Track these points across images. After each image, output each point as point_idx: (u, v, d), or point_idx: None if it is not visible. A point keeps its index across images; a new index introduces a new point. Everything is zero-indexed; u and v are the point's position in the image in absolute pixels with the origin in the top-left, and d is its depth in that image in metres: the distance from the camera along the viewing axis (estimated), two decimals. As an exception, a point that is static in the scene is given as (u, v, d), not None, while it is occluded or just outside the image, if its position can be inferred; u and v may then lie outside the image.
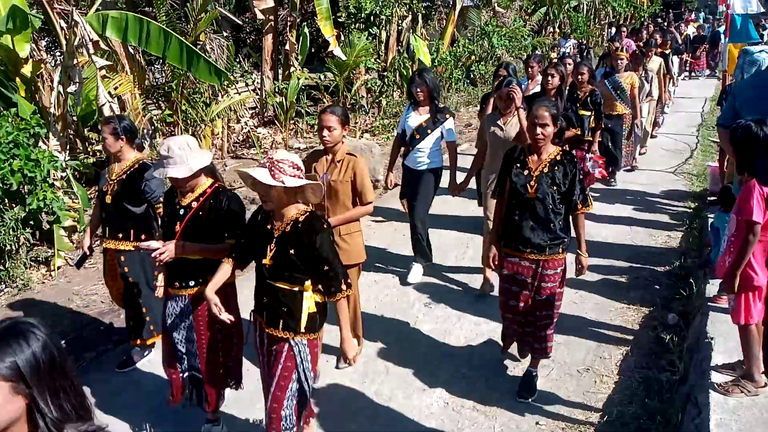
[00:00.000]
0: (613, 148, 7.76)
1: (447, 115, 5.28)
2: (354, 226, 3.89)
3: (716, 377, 3.40)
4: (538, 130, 3.45)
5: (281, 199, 2.71)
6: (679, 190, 8.05)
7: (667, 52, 10.88)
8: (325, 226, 2.78)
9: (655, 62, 9.42)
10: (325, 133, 3.71)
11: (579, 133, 6.11)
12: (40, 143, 6.35)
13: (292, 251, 2.73)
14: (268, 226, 2.83)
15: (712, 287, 4.52)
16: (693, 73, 18.27)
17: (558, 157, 3.55)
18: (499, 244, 3.75)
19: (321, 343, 3.09)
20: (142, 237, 4.01)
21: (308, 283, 2.79)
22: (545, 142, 3.51)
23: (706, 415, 3.15)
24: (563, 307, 4.98)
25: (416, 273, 5.55)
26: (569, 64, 7.34)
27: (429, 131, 5.21)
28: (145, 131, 8.69)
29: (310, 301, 2.79)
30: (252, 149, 10.56)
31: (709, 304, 4.31)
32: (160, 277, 3.57)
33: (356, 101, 12.58)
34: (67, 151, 7.01)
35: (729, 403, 3.19)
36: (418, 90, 5.17)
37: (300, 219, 2.76)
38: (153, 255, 3.03)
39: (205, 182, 3.21)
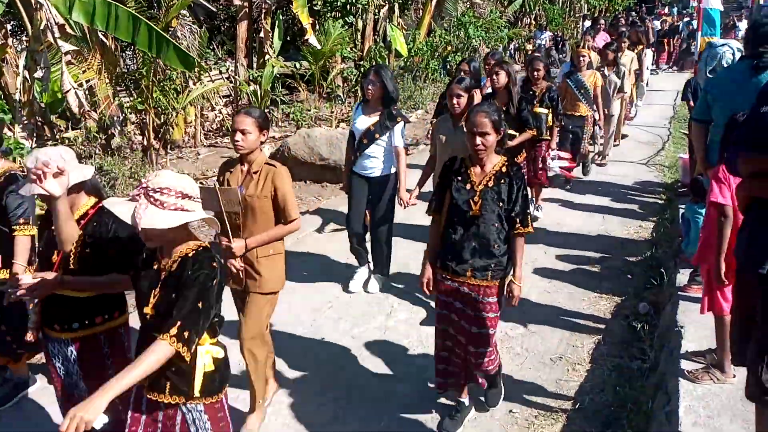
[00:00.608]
0: (573, 151, 7.37)
1: (399, 119, 4.78)
2: (275, 246, 3.32)
3: (686, 365, 3.45)
4: (478, 139, 3.07)
5: (164, 235, 2.16)
6: (651, 181, 8.17)
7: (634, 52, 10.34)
8: (204, 269, 2.18)
9: (627, 56, 9.21)
10: (238, 137, 3.14)
11: (535, 133, 5.60)
12: (6, 130, 6.16)
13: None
14: (155, 265, 2.28)
15: (683, 277, 4.59)
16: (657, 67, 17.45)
17: (504, 169, 3.16)
18: (435, 266, 3.34)
19: (226, 402, 2.42)
20: (13, 265, 3.33)
21: (204, 335, 2.24)
22: (487, 152, 3.12)
23: (675, 402, 3.19)
24: (537, 297, 5.05)
25: (374, 284, 5.14)
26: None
27: (377, 136, 4.73)
28: (115, 119, 8.51)
29: (206, 357, 2.25)
30: (226, 138, 10.41)
31: (679, 293, 4.37)
32: (32, 317, 2.83)
33: (332, 90, 12.48)
34: (35, 139, 6.82)
35: (698, 391, 3.24)
36: (369, 87, 4.67)
37: (189, 255, 2.21)
38: (19, 294, 2.45)
39: (86, 202, 2.72)
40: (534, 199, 6.56)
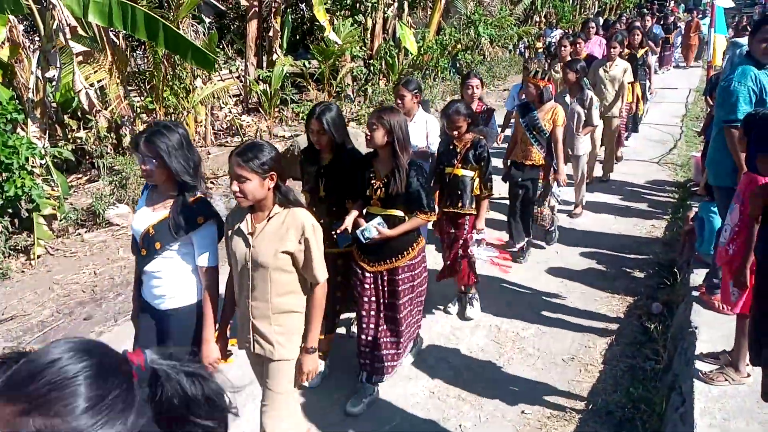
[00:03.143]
0: (520, 217, 5.48)
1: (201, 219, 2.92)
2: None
3: (700, 366, 3.42)
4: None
5: None
6: (664, 180, 8.10)
7: (640, 52, 8.76)
8: None
9: (619, 67, 7.43)
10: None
11: (430, 218, 3.63)
12: (18, 129, 6.21)
13: None
14: None
15: (696, 276, 4.54)
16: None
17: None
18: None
19: None
20: None
21: None
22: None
23: (690, 403, 3.16)
24: (549, 297, 5.03)
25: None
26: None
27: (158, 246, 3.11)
28: (125, 118, 8.55)
29: None
30: (236, 137, 10.44)
31: (693, 293, 4.33)
32: None
33: (342, 89, 12.48)
34: (47, 138, 6.86)
35: (713, 392, 3.21)
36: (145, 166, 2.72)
37: None
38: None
39: None
40: (462, 296, 4.74)
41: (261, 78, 11.34)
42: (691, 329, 3.88)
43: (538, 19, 21.45)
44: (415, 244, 3.63)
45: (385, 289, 3.63)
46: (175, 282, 2.79)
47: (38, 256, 5.93)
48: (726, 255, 3.23)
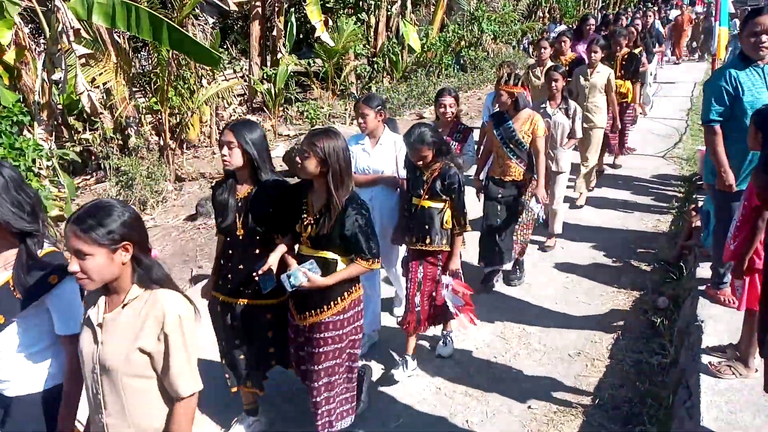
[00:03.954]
0: (497, 239, 4.83)
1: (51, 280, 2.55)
2: None
3: (707, 360, 3.41)
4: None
5: None
6: (669, 174, 8.08)
7: (635, 51, 8.10)
8: None
9: (601, 74, 6.66)
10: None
11: (372, 266, 3.00)
12: (25, 132, 6.26)
13: None
14: None
15: (702, 270, 4.53)
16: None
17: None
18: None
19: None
20: None
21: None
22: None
23: (697, 397, 3.16)
24: (555, 292, 5.03)
25: None
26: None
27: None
28: (131, 119, 8.59)
29: None
30: (241, 137, 10.45)
31: (699, 288, 4.32)
32: None
33: (346, 87, 12.50)
34: (53, 140, 6.91)
35: (720, 386, 3.20)
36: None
37: None
38: None
39: None
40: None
41: (265, 77, 11.37)
42: (697, 323, 3.87)
43: (541, 15, 21.40)
44: (346, 294, 2.97)
45: (303, 349, 3.04)
46: (20, 363, 2.18)
47: (46, 258, 5.97)
48: (730, 250, 3.22)
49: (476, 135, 5.16)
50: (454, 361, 4.13)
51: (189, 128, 9.71)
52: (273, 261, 2.93)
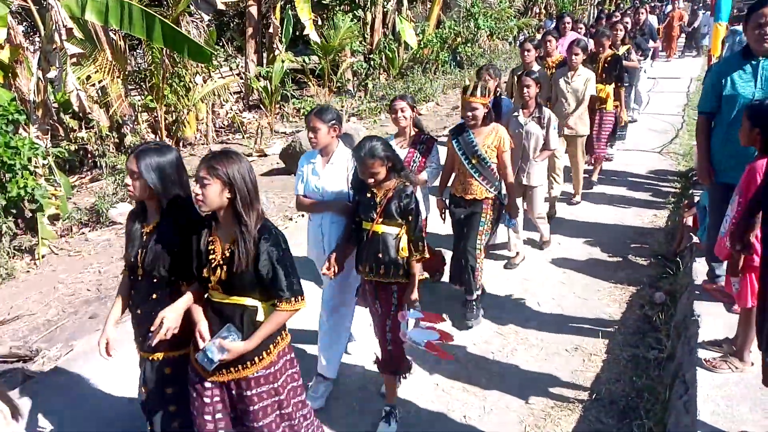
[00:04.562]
0: (463, 267, 4.35)
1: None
2: None
3: (703, 354, 3.43)
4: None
5: None
6: (666, 170, 8.09)
7: (619, 53, 7.53)
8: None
9: (581, 77, 6.22)
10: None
11: (297, 308, 2.61)
12: (21, 130, 6.24)
13: None
14: None
15: (698, 266, 4.55)
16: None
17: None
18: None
19: None
20: None
21: None
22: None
23: (693, 391, 3.18)
24: (552, 287, 5.04)
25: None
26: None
27: None
28: (126, 117, 8.57)
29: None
30: (237, 134, 10.46)
31: (696, 283, 4.33)
32: None
33: (342, 84, 12.49)
34: (48, 138, 6.89)
35: (716, 380, 3.22)
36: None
37: None
38: None
39: None
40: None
41: (261, 75, 11.35)
42: (694, 318, 3.89)
43: (537, 11, 21.39)
44: (272, 347, 2.56)
45: (237, 406, 2.62)
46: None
47: (43, 256, 5.97)
48: (724, 246, 3.22)
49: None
50: (453, 356, 4.13)
51: (185, 126, 9.70)
52: (169, 316, 2.47)
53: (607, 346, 4.21)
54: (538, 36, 11.69)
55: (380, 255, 3.24)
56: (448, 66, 14.77)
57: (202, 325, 2.51)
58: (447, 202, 4.56)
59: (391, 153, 3.19)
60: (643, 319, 4.52)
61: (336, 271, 3.38)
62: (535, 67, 6.26)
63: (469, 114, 4.19)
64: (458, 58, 15.39)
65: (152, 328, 2.47)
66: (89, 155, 8.57)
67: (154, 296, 2.61)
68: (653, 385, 3.67)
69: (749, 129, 3.09)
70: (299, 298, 2.50)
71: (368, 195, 3.27)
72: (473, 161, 4.26)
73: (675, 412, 3.27)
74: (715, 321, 3.75)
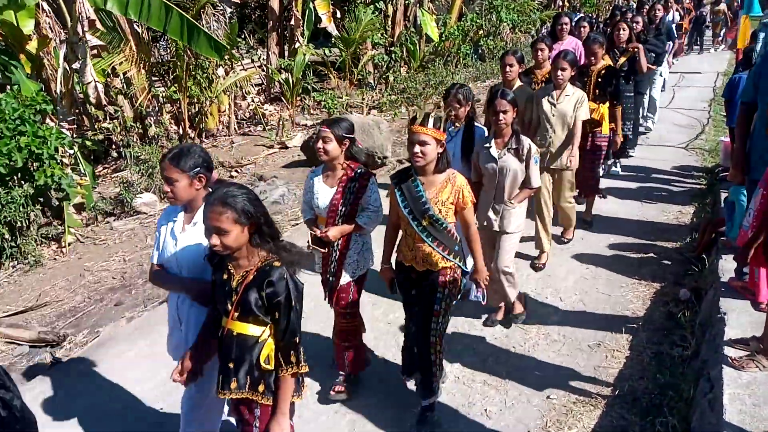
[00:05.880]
0: (415, 357, 3.44)
1: None
2: None
3: (729, 352, 3.38)
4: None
5: None
6: (691, 166, 7.97)
7: (621, 60, 6.59)
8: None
9: (570, 97, 5.04)
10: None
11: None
12: (48, 120, 6.34)
13: None
14: None
15: (725, 263, 4.48)
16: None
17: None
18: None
19: None
20: None
21: None
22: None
23: (719, 389, 3.13)
24: (574, 283, 5.00)
25: None
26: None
27: None
28: (150, 108, 8.66)
29: None
30: (259, 126, 10.51)
31: (722, 279, 4.27)
32: None
33: (363, 77, 12.48)
34: (75, 128, 6.99)
35: (743, 378, 3.17)
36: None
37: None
38: None
39: None
40: None
41: (283, 67, 11.38)
42: (719, 315, 3.83)
43: (561, 4, 21.12)
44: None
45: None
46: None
47: (69, 244, 6.07)
48: (747, 238, 3.18)
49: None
50: (473, 350, 4.13)
51: (208, 117, 9.77)
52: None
53: (630, 343, 4.17)
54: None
55: (231, 365, 2.32)
56: (470, 59, 14.66)
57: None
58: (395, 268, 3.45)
59: (255, 209, 2.24)
60: (667, 316, 4.47)
61: (188, 379, 2.52)
62: (518, 83, 5.23)
63: (417, 150, 3.01)
64: (480, 51, 15.27)
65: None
66: (114, 145, 8.68)
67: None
68: (677, 383, 3.62)
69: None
70: (303, 364, 2.33)
71: (224, 276, 2.35)
72: (423, 222, 3.14)
73: (699, 410, 3.23)
74: (741, 318, 3.70)
